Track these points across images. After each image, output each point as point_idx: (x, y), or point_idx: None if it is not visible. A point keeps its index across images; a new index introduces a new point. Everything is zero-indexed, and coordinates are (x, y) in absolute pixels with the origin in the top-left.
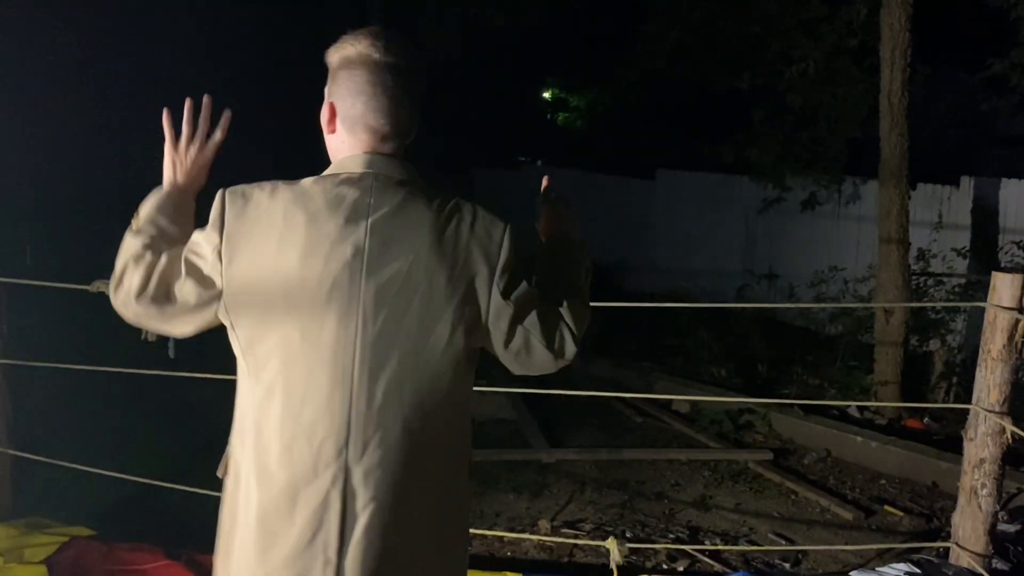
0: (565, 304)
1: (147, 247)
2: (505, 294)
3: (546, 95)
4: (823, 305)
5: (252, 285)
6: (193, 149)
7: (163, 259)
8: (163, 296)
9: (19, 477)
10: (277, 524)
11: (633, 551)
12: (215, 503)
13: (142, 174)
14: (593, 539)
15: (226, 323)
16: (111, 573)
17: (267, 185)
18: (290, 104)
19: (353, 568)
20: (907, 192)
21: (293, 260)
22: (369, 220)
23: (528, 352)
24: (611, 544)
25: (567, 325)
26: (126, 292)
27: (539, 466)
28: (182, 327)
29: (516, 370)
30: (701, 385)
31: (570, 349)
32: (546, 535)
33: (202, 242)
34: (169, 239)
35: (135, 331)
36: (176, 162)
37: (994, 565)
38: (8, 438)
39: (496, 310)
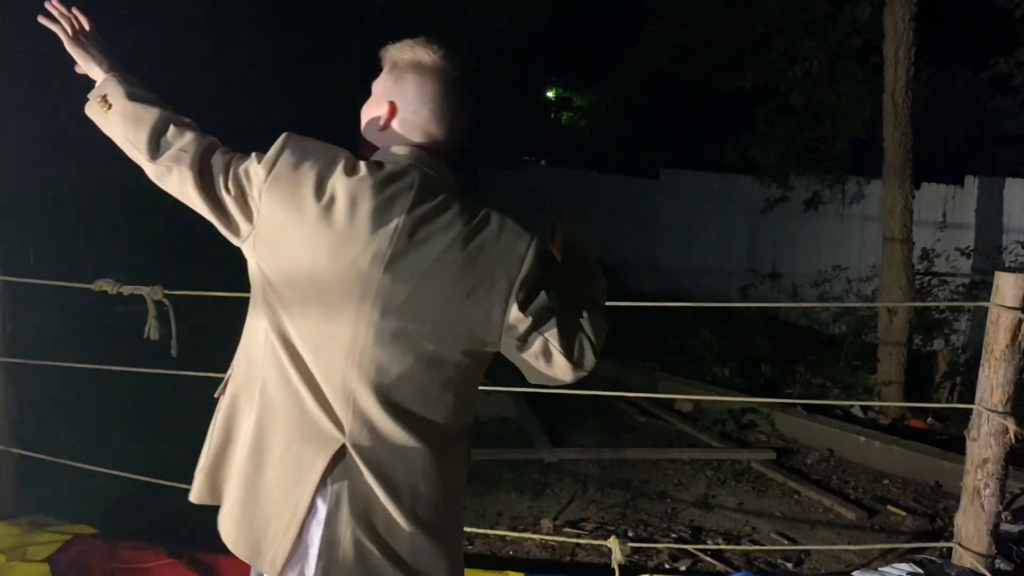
0: (584, 315)
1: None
2: (523, 306)
3: (550, 94)
4: (826, 304)
5: (284, 239)
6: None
7: (200, 136)
8: (205, 169)
9: (22, 475)
10: (269, 456)
11: (635, 551)
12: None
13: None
14: (595, 538)
15: (249, 254)
16: (114, 571)
17: (329, 149)
18: (289, 101)
19: (345, 531)
20: (911, 191)
21: (328, 232)
22: (406, 214)
23: (548, 361)
24: (613, 543)
25: (586, 335)
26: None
27: (541, 465)
28: (197, 203)
29: (533, 378)
30: (704, 385)
31: (589, 359)
32: (548, 534)
33: (252, 169)
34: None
35: (138, 330)
36: (86, 47)
37: (997, 565)
38: (12, 436)
39: (513, 321)
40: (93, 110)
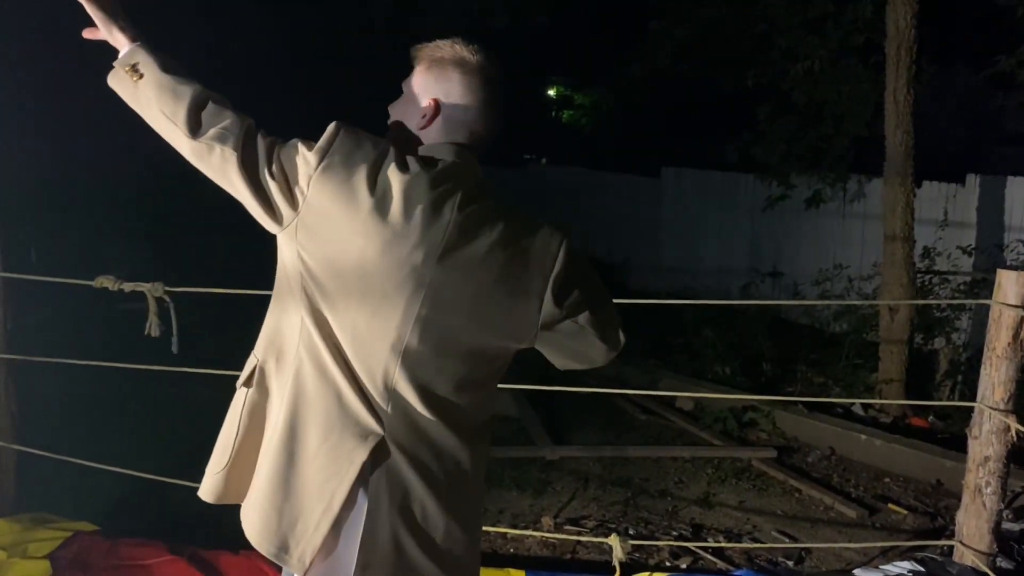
0: (609, 301)
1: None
2: (559, 301)
3: (551, 93)
4: (828, 302)
5: (333, 229)
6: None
7: (240, 118)
8: (249, 145)
9: (23, 472)
10: (302, 449)
11: (636, 548)
12: None
13: (149, 171)
14: (596, 536)
15: (286, 241)
16: (115, 568)
17: (379, 142)
18: (289, 97)
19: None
20: (912, 190)
21: (382, 226)
22: (457, 212)
23: (585, 347)
24: (614, 541)
25: (616, 319)
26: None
27: (543, 463)
28: (238, 185)
29: (564, 365)
30: (705, 383)
31: (621, 339)
32: (549, 532)
33: (300, 156)
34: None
35: (139, 327)
36: (110, 11)
37: (998, 564)
38: (13, 433)
39: (549, 316)
40: (119, 79)
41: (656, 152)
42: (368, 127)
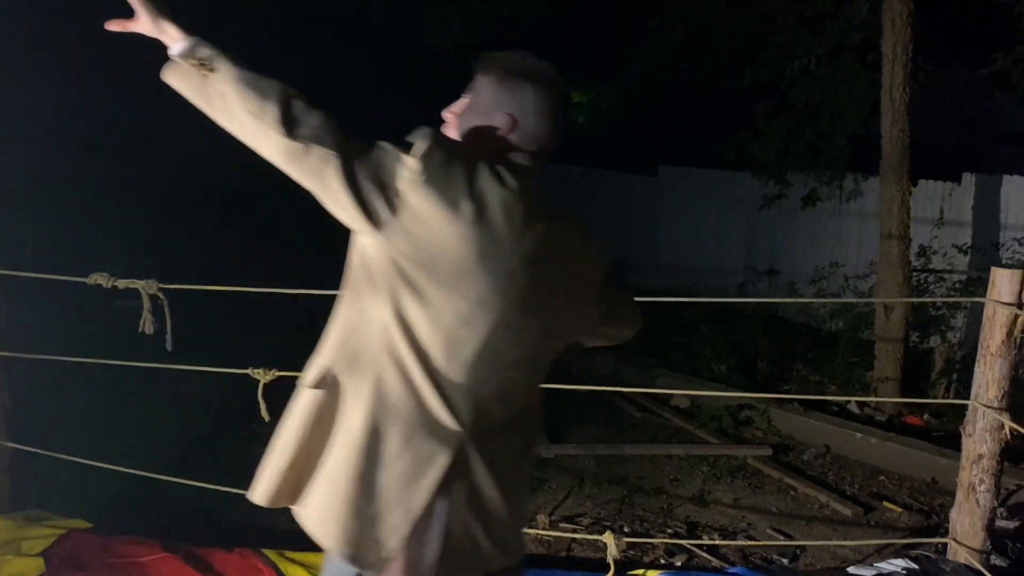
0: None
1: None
2: (607, 299)
3: None
4: (824, 300)
5: (433, 234)
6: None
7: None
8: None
9: (17, 470)
10: (384, 452)
11: (631, 545)
12: (213, 496)
13: (144, 168)
14: (591, 534)
15: (379, 245)
16: (109, 566)
17: (471, 150)
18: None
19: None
20: (908, 188)
21: (482, 232)
22: (547, 221)
23: (619, 331)
24: (609, 539)
25: (634, 302)
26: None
27: (538, 461)
28: (335, 188)
29: (598, 343)
30: (702, 381)
31: (640, 319)
32: (544, 529)
33: (399, 160)
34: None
35: (133, 324)
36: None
37: (992, 561)
38: (6, 431)
39: (599, 310)
40: (183, 74)
41: (653, 150)
42: (373, 116)
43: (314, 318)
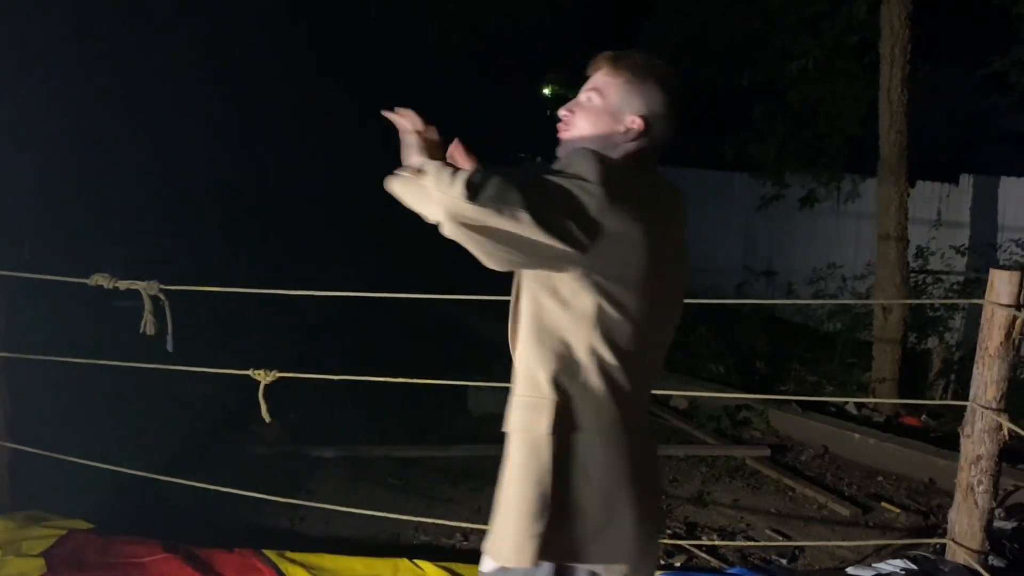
0: None
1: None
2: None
3: (546, 91)
4: (822, 301)
5: (628, 254)
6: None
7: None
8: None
9: (17, 470)
10: (639, 470)
11: None
12: (213, 496)
13: (142, 168)
14: None
15: (584, 277)
16: (109, 566)
17: (623, 162)
18: (284, 91)
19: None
20: (906, 189)
21: (661, 244)
22: (676, 210)
23: None
24: None
25: None
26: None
27: None
28: (538, 236)
29: None
30: (700, 381)
31: None
32: None
33: (582, 190)
34: None
35: (134, 324)
36: (422, 141)
37: (990, 562)
38: (6, 431)
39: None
40: (402, 179)
41: None
42: (370, 116)
43: (314, 318)
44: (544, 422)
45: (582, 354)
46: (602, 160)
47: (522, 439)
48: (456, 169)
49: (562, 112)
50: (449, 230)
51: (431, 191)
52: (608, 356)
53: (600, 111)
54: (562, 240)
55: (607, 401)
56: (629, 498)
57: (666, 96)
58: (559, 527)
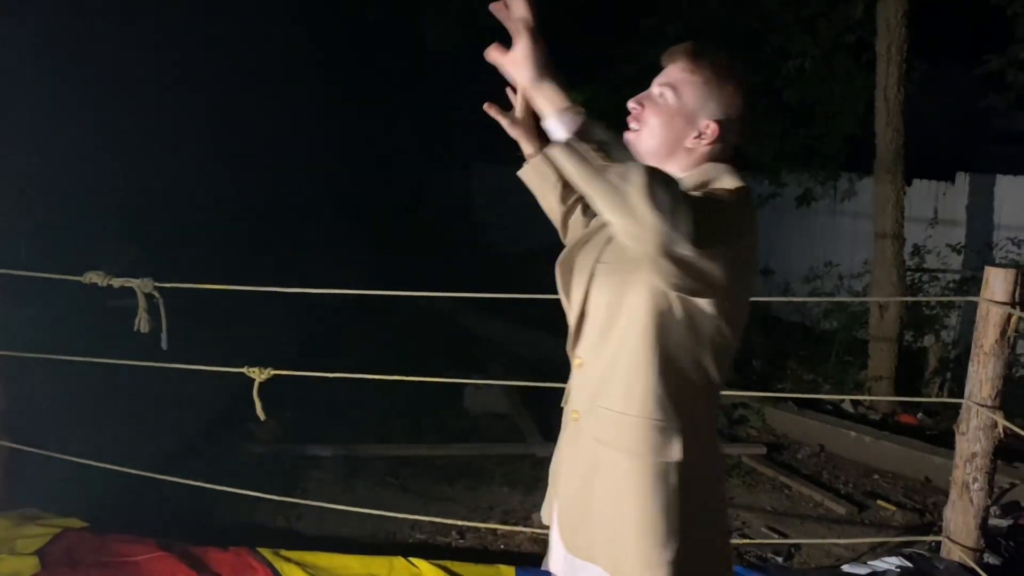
0: None
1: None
2: None
3: None
4: (818, 299)
5: (751, 268)
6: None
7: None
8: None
9: (12, 468)
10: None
11: None
12: (208, 494)
13: (139, 168)
14: None
15: (720, 299)
16: (104, 564)
17: (729, 168)
18: (282, 90)
19: None
20: (902, 188)
21: (755, 248)
22: None
23: None
24: None
25: None
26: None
27: (534, 460)
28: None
29: None
30: None
31: None
32: (540, 528)
33: (734, 210)
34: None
35: (128, 322)
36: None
37: (985, 559)
38: (1, 429)
39: None
40: (570, 154)
41: None
42: (367, 119)
43: (313, 317)
44: (675, 448)
45: (698, 375)
46: (739, 177)
47: (646, 463)
48: (668, 180)
49: (632, 104)
50: (648, 255)
51: (641, 212)
52: (716, 378)
53: (673, 112)
54: (729, 272)
55: (712, 423)
56: (727, 519)
57: (743, 102)
58: (687, 556)
